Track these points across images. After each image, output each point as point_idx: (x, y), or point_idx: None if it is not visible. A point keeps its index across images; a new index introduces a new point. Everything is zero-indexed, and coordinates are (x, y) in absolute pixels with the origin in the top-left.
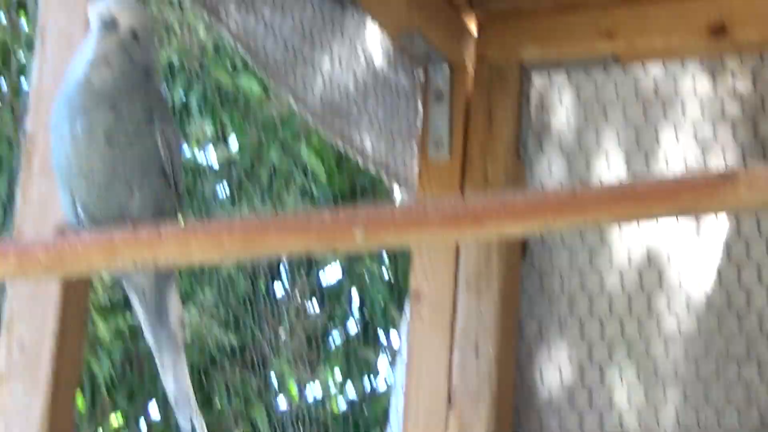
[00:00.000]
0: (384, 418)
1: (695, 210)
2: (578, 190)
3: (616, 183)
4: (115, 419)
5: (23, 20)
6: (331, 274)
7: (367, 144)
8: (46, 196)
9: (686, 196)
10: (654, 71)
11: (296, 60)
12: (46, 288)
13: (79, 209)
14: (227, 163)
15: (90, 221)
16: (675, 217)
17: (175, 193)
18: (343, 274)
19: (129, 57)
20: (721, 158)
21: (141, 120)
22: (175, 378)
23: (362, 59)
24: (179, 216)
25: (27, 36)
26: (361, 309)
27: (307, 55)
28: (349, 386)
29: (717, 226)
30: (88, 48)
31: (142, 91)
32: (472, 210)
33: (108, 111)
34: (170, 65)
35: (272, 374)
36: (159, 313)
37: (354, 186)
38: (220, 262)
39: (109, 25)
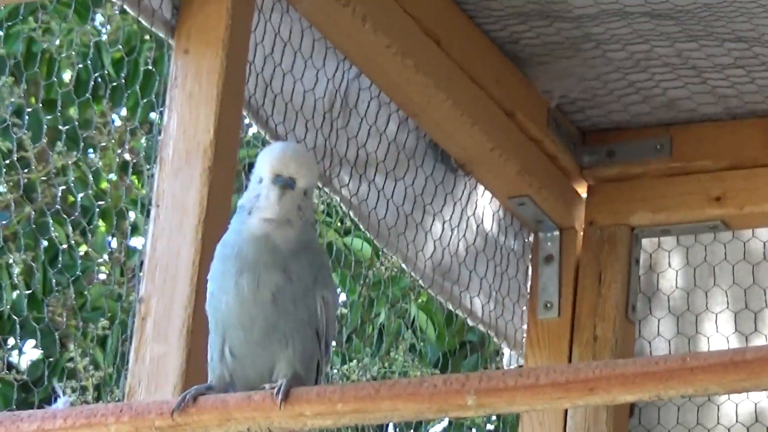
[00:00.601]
0: None
1: None
2: (688, 358)
3: (726, 351)
4: None
5: (134, 183)
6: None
7: (477, 305)
8: (158, 359)
9: None
10: (763, 234)
11: (407, 224)
12: None
13: (227, 352)
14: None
15: (238, 365)
16: None
17: (323, 351)
18: (449, 425)
19: (304, 216)
20: None
21: (307, 284)
22: None
23: (472, 223)
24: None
25: (142, 197)
26: None
27: (417, 219)
28: None
29: None
30: (268, 206)
31: (311, 253)
32: (584, 378)
33: (279, 273)
34: None
35: None
36: None
37: (463, 343)
38: (332, 426)
39: (288, 183)
